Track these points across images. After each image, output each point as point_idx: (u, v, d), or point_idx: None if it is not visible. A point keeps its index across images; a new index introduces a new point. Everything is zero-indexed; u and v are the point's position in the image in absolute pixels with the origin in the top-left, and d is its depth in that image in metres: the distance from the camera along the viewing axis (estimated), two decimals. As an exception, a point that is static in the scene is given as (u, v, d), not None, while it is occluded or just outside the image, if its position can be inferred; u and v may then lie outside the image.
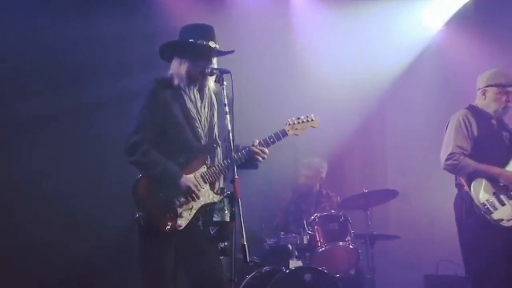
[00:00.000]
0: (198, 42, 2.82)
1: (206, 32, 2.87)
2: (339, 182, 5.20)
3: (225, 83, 2.67)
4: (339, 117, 5.00)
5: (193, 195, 2.79)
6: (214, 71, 2.78)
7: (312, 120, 3.05)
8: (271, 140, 2.92)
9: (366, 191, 4.33)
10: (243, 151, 2.86)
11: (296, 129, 2.99)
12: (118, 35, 4.27)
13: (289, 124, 2.99)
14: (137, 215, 2.76)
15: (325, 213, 4.28)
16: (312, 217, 4.22)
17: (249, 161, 2.88)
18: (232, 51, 2.91)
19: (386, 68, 5.22)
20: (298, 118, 3.01)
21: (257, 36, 4.83)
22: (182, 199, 2.79)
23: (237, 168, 2.59)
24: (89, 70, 4.27)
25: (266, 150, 2.89)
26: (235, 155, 2.81)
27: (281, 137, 2.94)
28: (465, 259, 3.47)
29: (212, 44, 2.84)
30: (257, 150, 2.86)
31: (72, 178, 4.14)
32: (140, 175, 2.83)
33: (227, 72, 2.69)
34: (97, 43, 4.24)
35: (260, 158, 2.88)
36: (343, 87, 5.04)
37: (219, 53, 2.88)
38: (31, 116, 4.09)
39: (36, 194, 4.05)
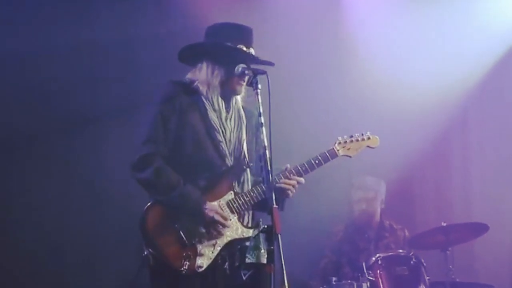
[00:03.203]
0: (238, 46, 2.85)
1: (245, 35, 2.90)
2: (407, 213, 5.08)
3: (259, 86, 2.64)
4: (407, 129, 4.90)
5: (219, 228, 2.76)
6: (246, 72, 2.76)
7: (368, 138, 3.08)
8: (316, 162, 2.93)
9: (445, 224, 4.21)
10: (263, 185, 2.75)
11: (349, 149, 3.02)
12: (121, 38, 4.34)
13: (339, 143, 3.01)
14: (145, 253, 2.75)
15: (390, 253, 4.24)
16: (374, 258, 4.13)
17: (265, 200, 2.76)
18: (272, 64, 2.91)
19: (470, 64, 5.07)
20: (351, 136, 3.05)
21: (299, 27, 4.80)
22: (203, 232, 2.77)
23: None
24: (83, 79, 4.32)
25: (301, 180, 2.87)
26: (254, 189, 2.81)
27: (330, 158, 2.98)
28: None
29: (251, 50, 2.89)
30: (286, 186, 2.83)
31: (63, 206, 4.19)
32: (150, 203, 2.81)
33: (263, 73, 2.67)
34: (95, 47, 4.31)
35: (290, 193, 2.86)
36: (413, 92, 4.94)
37: (256, 62, 2.88)
38: (13, 133, 4.16)
39: (20, 227, 4.11)
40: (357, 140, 3.05)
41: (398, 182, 4.89)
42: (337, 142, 3.02)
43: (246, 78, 2.79)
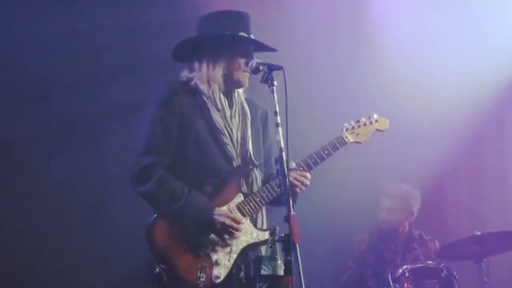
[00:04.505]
0: (236, 33, 2.83)
1: (242, 21, 2.88)
2: (438, 221, 5.06)
3: (275, 83, 2.63)
4: (437, 130, 4.87)
5: (231, 233, 2.75)
6: (261, 68, 2.74)
7: (376, 121, 3.10)
8: (325, 152, 2.93)
9: (479, 233, 4.18)
10: (275, 180, 2.80)
11: (358, 134, 3.04)
12: (122, 28, 4.31)
13: (347, 129, 3.03)
14: (157, 270, 2.72)
15: (418, 265, 4.24)
16: (400, 270, 4.12)
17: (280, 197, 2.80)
18: (274, 50, 2.91)
19: (505, 58, 5.03)
20: (358, 121, 3.08)
21: (313, 17, 4.77)
22: (216, 240, 2.77)
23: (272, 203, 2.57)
24: (80, 75, 4.28)
25: (308, 175, 2.88)
26: (265, 189, 2.82)
27: (339, 146, 2.99)
28: None
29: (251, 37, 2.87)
30: (295, 182, 2.82)
31: (63, 210, 4.16)
32: (155, 215, 2.80)
33: (279, 68, 2.65)
34: (95, 41, 4.29)
35: (298, 190, 2.86)
36: (442, 89, 4.90)
37: (257, 47, 2.88)
38: (10, 135, 4.13)
39: (19, 231, 4.10)
40: (365, 125, 3.07)
41: (427, 188, 4.83)
42: (344, 128, 3.04)
43: (261, 74, 2.74)
